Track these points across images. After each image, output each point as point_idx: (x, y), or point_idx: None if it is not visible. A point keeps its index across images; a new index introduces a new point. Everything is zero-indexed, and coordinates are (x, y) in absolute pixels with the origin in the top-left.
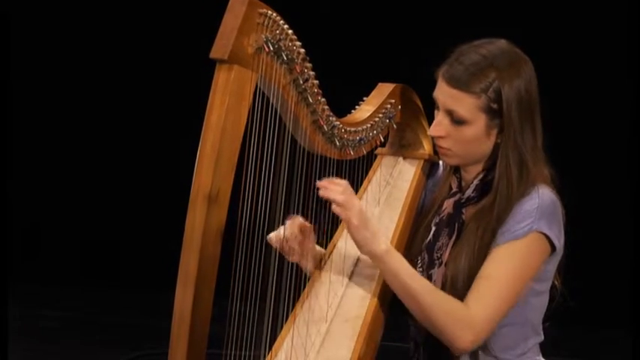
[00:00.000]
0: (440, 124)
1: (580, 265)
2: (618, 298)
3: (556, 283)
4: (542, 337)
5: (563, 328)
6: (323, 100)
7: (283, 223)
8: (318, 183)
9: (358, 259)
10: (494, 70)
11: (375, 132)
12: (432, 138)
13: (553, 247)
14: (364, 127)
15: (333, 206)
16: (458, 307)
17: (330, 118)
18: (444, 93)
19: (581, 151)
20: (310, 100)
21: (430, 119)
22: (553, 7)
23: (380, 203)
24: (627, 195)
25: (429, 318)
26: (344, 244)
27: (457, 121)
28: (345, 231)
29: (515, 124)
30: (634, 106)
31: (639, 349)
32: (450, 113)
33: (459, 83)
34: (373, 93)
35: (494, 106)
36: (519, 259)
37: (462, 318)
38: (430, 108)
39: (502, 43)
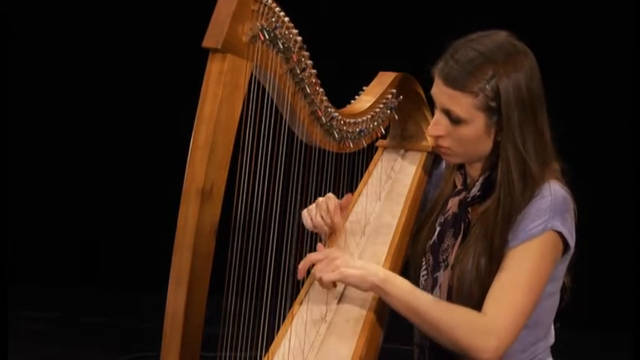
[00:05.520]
0: (438, 124)
1: (580, 265)
2: (618, 300)
3: (565, 282)
4: (552, 340)
5: (563, 329)
6: (321, 90)
7: (284, 218)
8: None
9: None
10: (490, 66)
11: (375, 123)
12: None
13: (566, 246)
14: (364, 118)
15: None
16: (475, 317)
17: (329, 109)
18: (440, 92)
19: (580, 150)
20: (308, 91)
21: (433, 110)
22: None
23: (381, 198)
24: (628, 195)
25: (449, 336)
26: (343, 243)
27: (455, 120)
28: (345, 229)
29: (514, 122)
30: (635, 104)
31: (639, 349)
32: (447, 113)
33: (455, 82)
34: (373, 82)
35: (493, 104)
36: (536, 259)
37: (482, 327)
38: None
39: (499, 36)
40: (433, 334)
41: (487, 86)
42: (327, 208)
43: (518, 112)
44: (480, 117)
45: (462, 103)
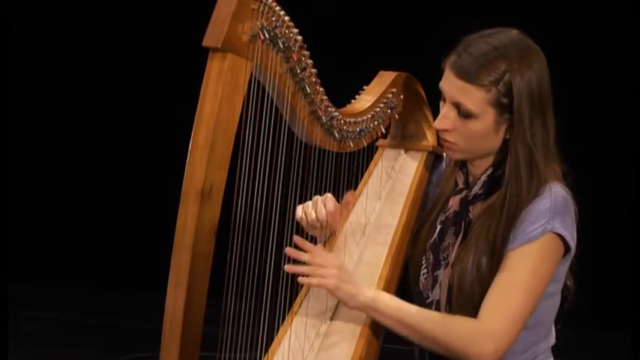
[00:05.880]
0: (446, 117)
1: (580, 266)
2: (618, 300)
3: (568, 283)
4: (553, 340)
5: (563, 329)
6: (321, 89)
7: (284, 218)
8: (287, 268)
9: (358, 259)
10: (504, 61)
11: (376, 123)
12: (437, 131)
13: (567, 248)
14: (364, 117)
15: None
16: (471, 325)
17: (329, 109)
18: (451, 84)
19: (580, 151)
20: (308, 90)
21: (434, 109)
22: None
23: (381, 198)
24: (628, 195)
25: (445, 345)
26: (343, 242)
27: (464, 114)
28: (345, 228)
29: (525, 119)
30: (635, 105)
31: (639, 349)
32: (457, 106)
33: (467, 75)
34: (374, 82)
35: (505, 100)
36: (536, 262)
37: (479, 334)
38: (434, 97)
39: (513, 34)
40: (430, 345)
41: (500, 82)
42: (324, 206)
43: (529, 109)
44: (491, 112)
45: (473, 97)
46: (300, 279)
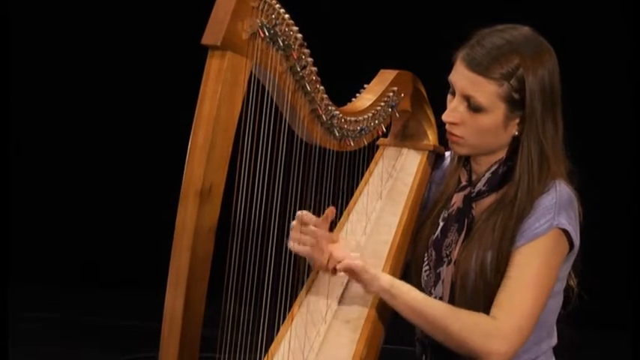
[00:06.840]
0: (455, 110)
1: (581, 265)
2: (619, 300)
3: (572, 283)
4: (555, 340)
5: (563, 329)
6: (321, 88)
7: (284, 217)
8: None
9: None
10: (517, 56)
11: (376, 122)
12: (444, 124)
13: (571, 245)
14: (365, 116)
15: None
16: (483, 321)
17: (329, 108)
18: (462, 77)
19: (580, 150)
20: (308, 89)
21: (435, 108)
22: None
23: (382, 197)
24: (628, 194)
25: (456, 340)
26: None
27: (474, 108)
28: (345, 228)
29: (537, 116)
30: (634, 105)
31: (639, 349)
32: (467, 99)
33: (479, 67)
34: (375, 80)
35: (516, 95)
36: (543, 259)
37: (490, 332)
38: (435, 96)
39: (526, 30)
40: (442, 338)
41: (512, 77)
42: (308, 222)
43: (541, 107)
44: (501, 107)
45: (484, 90)
46: (336, 267)
